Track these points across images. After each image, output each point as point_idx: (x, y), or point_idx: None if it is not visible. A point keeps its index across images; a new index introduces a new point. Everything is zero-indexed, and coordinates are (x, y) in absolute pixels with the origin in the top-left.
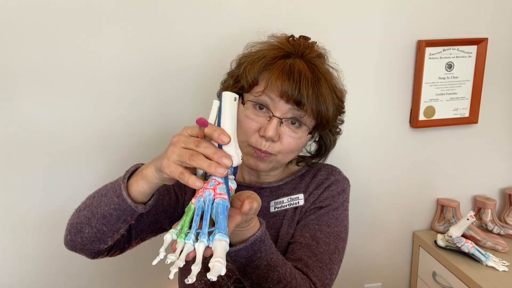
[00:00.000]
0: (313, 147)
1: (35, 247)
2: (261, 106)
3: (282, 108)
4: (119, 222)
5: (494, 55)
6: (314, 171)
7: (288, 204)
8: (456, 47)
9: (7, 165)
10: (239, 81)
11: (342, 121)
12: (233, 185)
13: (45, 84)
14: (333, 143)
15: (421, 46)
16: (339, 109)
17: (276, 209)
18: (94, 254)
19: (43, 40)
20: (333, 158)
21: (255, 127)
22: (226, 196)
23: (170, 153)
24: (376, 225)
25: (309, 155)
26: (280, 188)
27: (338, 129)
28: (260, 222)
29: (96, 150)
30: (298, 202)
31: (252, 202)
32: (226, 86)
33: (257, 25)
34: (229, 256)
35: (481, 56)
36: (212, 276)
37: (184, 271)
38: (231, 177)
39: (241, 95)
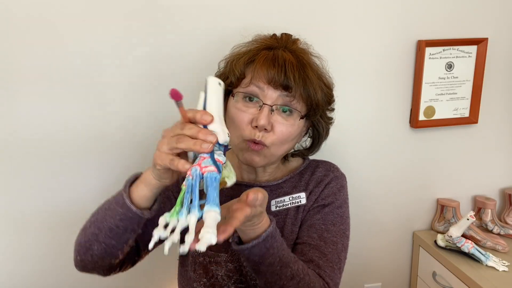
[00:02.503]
0: (308, 142)
1: (35, 247)
2: (251, 97)
3: (272, 96)
4: (127, 233)
5: (494, 55)
6: (312, 168)
7: (290, 203)
8: (456, 47)
9: (7, 165)
10: (227, 78)
11: (333, 109)
12: (221, 158)
13: (45, 84)
14: (326, 132)
15: (421, 46)
16: (328, 96)
17: (278, 208)
18: (106, 270)
19: (43, 40)
20: (333, 158)
21: (247, 119)
22: (212, 168)
23: (160, 144)
24: (376, 225)
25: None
26: (280, 187)
27: (330, 117)
28: (270, 219)
29: (97, 150)
30: (300, 201)
31: (256, 193)
32: None
33: (256, 25)
34: (243, 255)
35: (481, 56)
36: (201, 246)
37: (187, 264)
38: (219, 152)
39: (230, 92)
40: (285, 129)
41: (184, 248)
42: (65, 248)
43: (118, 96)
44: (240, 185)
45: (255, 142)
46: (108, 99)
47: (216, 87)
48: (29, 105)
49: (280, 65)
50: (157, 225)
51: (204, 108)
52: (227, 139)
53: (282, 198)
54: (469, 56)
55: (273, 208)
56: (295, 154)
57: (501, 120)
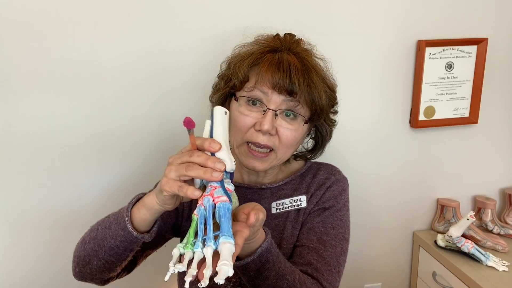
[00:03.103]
0: (310, 143)
1: (35, 247)
2: (255, 101)
3: (276, 100)
4: (127, 252)
5: (494, 55)
6: (313, 171)
7: (290, 206)
8: (456, 47)
9: (7, 165)
10: (230, 81)
11: (336, 112)
12: (230, 186)
13: (45, 84)
14: (329, 134)
15: (421, 46)
16: (332, 99)
17: (278, 211)
18: (104, 281)
19: (43, 39)
20: (333, 158)
21: (250, 123)
22: (225, 198)
23: (167, 171)
24: (376, 225)
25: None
26: (281, 189)
27: (333, 120)
28: (265, 232)
29: (96, 150)
30: (301, 204)
31: (257, 213)
32: (217, 88)
33: (257, 24)
34: (238, 270)
35: (481, 56)
36: (220, 280)
37: (183, 274)
38: (227, 180)
39: (233, 94)
40: (290, 134)
41: (205, 282)
42: (64, 248)
43: (118, 96)
44: (241, 187)
45: (259, 146)
46: (108, 99)
47: (222, 116)
48: (28, 105)
49: (285, 70)
50: (157, 237)
51: (211, 136)
52: (234, 166)
53: (282, 201)
54: (469, 56)
55: (273, 211)
56: (298, 156)
57: (501, 120)
